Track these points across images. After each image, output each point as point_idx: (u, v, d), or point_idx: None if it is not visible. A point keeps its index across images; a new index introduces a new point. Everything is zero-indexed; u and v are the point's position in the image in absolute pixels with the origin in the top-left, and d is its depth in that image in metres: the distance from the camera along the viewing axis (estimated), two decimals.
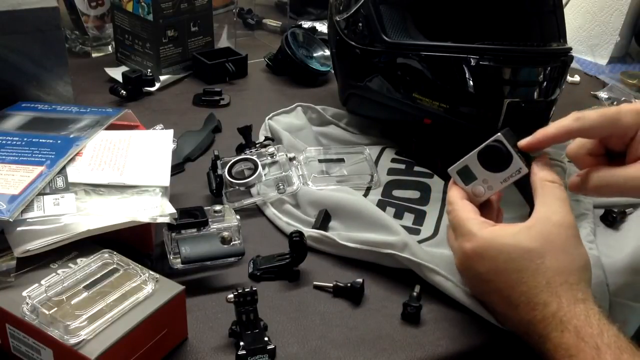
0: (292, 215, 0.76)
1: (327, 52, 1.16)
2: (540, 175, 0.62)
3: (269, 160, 0.82)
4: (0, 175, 0.63)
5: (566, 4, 1.33)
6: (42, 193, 0.62)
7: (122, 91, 1.02)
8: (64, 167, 0.67)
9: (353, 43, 0.90)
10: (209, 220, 0.68)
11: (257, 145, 0.85)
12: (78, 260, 0.59)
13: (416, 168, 0.87)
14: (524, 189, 0.65)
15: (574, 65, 0.95)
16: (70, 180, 0.65)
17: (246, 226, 0.71)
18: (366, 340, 0.61)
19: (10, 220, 0.58)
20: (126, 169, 0.69)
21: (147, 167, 0.70)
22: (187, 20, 1.12)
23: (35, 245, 0.58)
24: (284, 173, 0.80)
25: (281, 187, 0.78)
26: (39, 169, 0.65)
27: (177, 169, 0.84)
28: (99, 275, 0.57)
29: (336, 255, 0.71)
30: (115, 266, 0.58)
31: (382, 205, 0.78)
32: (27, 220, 0.59)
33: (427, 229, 0.76)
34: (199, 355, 0.58)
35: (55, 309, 0.52)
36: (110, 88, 1.03)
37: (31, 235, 0.58)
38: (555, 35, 0.85)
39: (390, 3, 0.85)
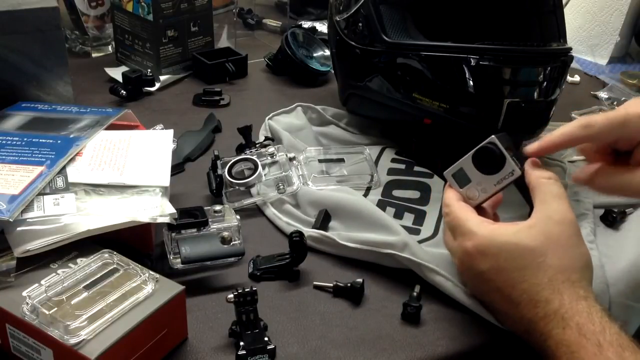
0: (292, 215, 0.76)
1: (327, 52, 1.16)
2: (535, 174, 0.63)
3: (269, 160, 0.82)
4: (0, 175, 0.63)
5: (566, 4, 1.33)
6: (42, 193, 0.62)
7: (122, 91, 1.02)
8: (64, 167, 0.67)
9: (353, 43, 0.90)
10: (209, 220, 0.68)
11: (257, 145, 0.85)
12: (78, 260, 0.59)
13: (416, 168, 0.87)
14: (524, 189, 0.66)
15: (574, 65, 0.95)
16: (70, 180, 0.65)
17: (246, 226, 0.71)
18: (366, 340, 0.61)
19: (10, 220, 0.58)
20: (126, 169, 0.69)
21: (147, 167, 0.70)
22: (187, 20, 1.12)
23: (35, 245, 0.58)
24: (284, 173, 0.80)
25: (281, 187, 0.78)
26: (39, 169, 0.65)
27: (177, 169, 0.84)
28: (99, 275, 0.57)
29: (336, 255, 0.71)
30: (115, 266, 0.58)
31: (382, 205, 0.78)
32: (27, 220, 0.60)
33: (427, 229, 0.76)
34: (199, 355, 0.58)
35: (55, 309, 0.52)
36: (110, 88, 1.03)
37: (31, 235, 0.58)
38: (555, 35, 0.85)
39: (390, 3, 0.85)
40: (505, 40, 0.79)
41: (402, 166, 0.88)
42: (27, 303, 0.53)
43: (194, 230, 0.67)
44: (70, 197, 0.63)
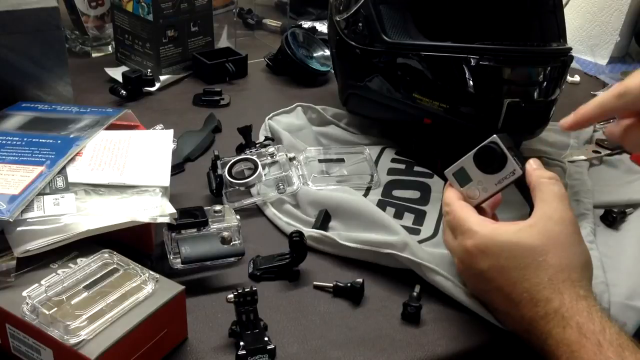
0: (292, 215, 0.76)
1: (327, 52, 1.16)
2: (536, 174, 0.63)
3: (269, 160, 0.82)
4: (0, 175, 0.63)
5: (566, 4, 1.32)
6: (42, 193, 0.62)
7: (122, 91, 1.02)
8: (64, 167, 0.67)
9: (353, 43, 0.90)
10: (209, 220, 0.68)
11: (257, 145, 0.85)
12: (78, 260, 0.59)
13: (416, 168, 0.87)
14: (524, 189, 0.66)
15: (574, 65, 0.95)
16: (70, 180, 0.65)
17: (246, 226, 0.71)
18: (366, 340, 0.61)
19: (10, 220, 0.58)
20: (126, 169, 0.69)
21: (147, 167, 0.70)
22: (187, 20, 1.12)
23: (35, 245, 0.58)
24: (284, 173, 0.80)
25: (281, 187, 0.78)
26: (39, 169, 0.65)
27: (177, 169, 0.84)
28: (99, 275, 0.57)
29: (336, 255, 0.71)
30: (115, 266, 0.58)
31: (382, 205, 0.78)
32: (27, 220, 0.60)
33: (427, 229, 0.76)
34: (199, 355, 0.58)
35: (55, 309, 0.52)
36: (110, 88, 1.03)
37: (31, 235, 0.58)
38: (555, 35, 0.85)
39: (390, 3, 0.85)
40: (505, 40, 0.79)
41: (402, 166, 0.88)
42: (27, 303, 0.53)
43: (194, 230, 0.67)
44: (70, 197, 0.63)
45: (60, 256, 0.59)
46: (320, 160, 0.85)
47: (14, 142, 0.70)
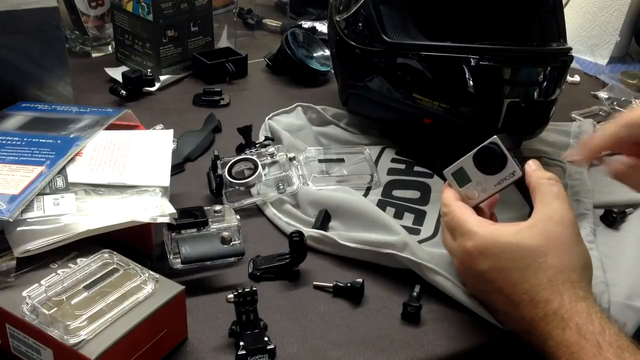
0: (292, 215, 0.76)
1: (327, 52, 1.16)
2: (536, 175, 0.63)
3: (269, 160, 0.82)
4: (0, 175, 0.63)
5: (566, 4, 1.33)
6: (42, 193, 0.62)
7: (122, 91, 1.02)
8: (64, 167, 0.67)
9: (353, 43, 0.90)
10: (209, 220, 0.68)
11: (257, 145, 0.85)
12: (78, 260, 0.59)
13: (416, 168, 0.87)
14: (523, 190, 0.66)
15: (574, 65, 0.95)
16: (70, 180, 0.65)
17: (246, 226, 0.71)
18: (366, 340, 0.61)
19: (10, 220, 0.58)
20: (126, 169, 0.69)
21: (147, 167, 0.70)
22: (187, 20, 1.12)
23: (35, 245, 0.58)
24: (284, 173, 0.80)
25: (281, 187, 0.78)
26: (39, 169, 0.65)
27: (177, 169, 0.84)
28: (99, 275, 0.57)
29: (336, 255, 0.71)
30: (115, 266, 0.58)
31: (382, 205, 0.78)
32: (27, 220, 0.60)
33: (427, 229, 0.76)
34: (199, 355, 0.58)
35: (55, 309, 0.52)
36: (110, 88, 1.03)
37: (31, 235, 0.58)
38: (555, 35, 0.85)
39: (390, 3, 0.85)
40: (505, 40, 0.79)
41: (402, 166, 0.88)
42: (27, 303, 0.53)
43: (194, 230, 0.67)
44: (70, 197, 0.63)
45: (60, 256, 0.59)
46: (320, 160, 0.85)
47: (14, 142, 0.70)
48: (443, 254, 0.68)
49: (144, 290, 0.55)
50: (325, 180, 0.81)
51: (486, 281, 0.59)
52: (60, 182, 0.65)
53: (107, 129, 0.76)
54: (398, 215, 0.78)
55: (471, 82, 0.79)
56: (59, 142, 0.71)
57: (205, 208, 0.69)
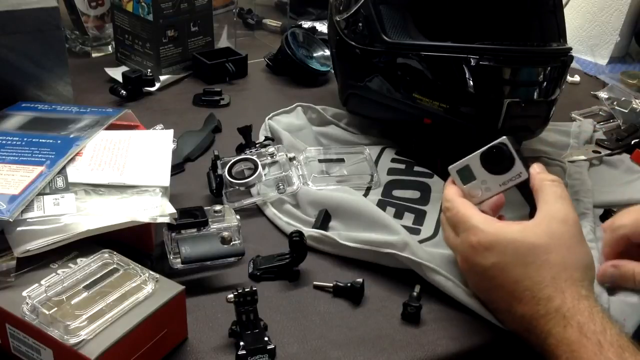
0: (292, 215, 0.76)
1: (327, 52, 1.16)
2: (540, 176, 0.64)
3: (269, 160, 0.82)
4: (0, 175, 0.63)
5: (566, 4, 1.32)
6: (42, 193, 0.62)
7: (122, 91, 1.02)
8: (64, 167, 0.67)
9: (353, 43, 0.90)
10: (209, 220, 0.68)
11: (257, 145, 0.85)
12: (78, 260, 0.59)
13: (416, 168, 0.87)
14: (525, 190, 0.66)
15: (574, 65, 0.95)
16: (70, 180, 0.65)
17: (246, 226, 0.71)
18: (366, 340, 0.61)
19: (10, 220, 0.58)
20: (126, 169, 0.69)
21: (147, 167, 0.70)
22: (187, 20, 1.12)
23: (35, 245, 0.58)
24: (284, 173, 0.80)
25: (281, 187, 0.78)
26: (39, 169, 0.65)
27: (177, 169, 0.84)
28: (99, 275, 0.57)
29: (336, 255, 0.71)
30: (115, 266, 0.58)
31: (382, 205, 0.78)
32: (27, 220, 0.60)
33: (427, 229, 0.76)
34: (199, 355, 0.58)
35: (55, 309, 0.52)
36: (110, 88, 1.03)
37: (31, 235, 0.58)
38: (555, 35, 0.85)
39: (390, 3, 0.85)
40: (505, 40, 0.79)
41: (402, 166, 0.88)
42: (27, 303, 0.53)
43: (194, 230, 0.67)
44: (70, 197, 0.63)
45: (60, 256, 0.59)
46: (320, 160, 0.85)
47: (14, 142, 0.70)
48: (443, 253, 0.68)
49: (144, 290, 0.55)
50: (325, 180, 0.81)
51: (488, 277, 0.59)
52: (60, 182, 0.65)
53: (107, 129, 0.76)
54: (398, 215, 0.78)
55: (471, 82, 0.79)
56: (59, 142, 0.71)
57: (205, 208, 0.69)
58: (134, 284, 0.56)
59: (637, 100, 1.09)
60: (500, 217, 0.67)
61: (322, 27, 1.34)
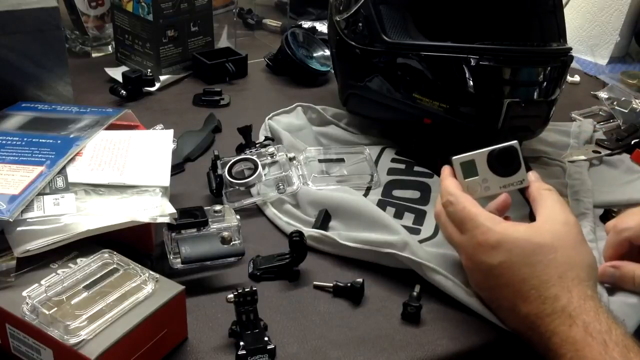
0: (292, 215, 0.76)
1: (327, 52, 1.16)
2: (536, 185, 0.65)
3: (269, 160, 0.82)
4: (0, 175, 0.63)
5: (566, 4, 1.33)
6: (42, 193, 0.62)
7: (122, 91, 1.02)
8: (64, 167, 0.67)
9: (353, 43, 0.90)
10: (209, 220, 0.68)
11: (257, 145, 0.85)
12: (78, 260, 0.59)
13: (416, 168, 0.87)
14: (524, 190, 0.66)
15: (574, 65, 0.95)
16: (70, 180, 0.65)
17: (246, 226, 0.71)
18: (366, 340, 0.61)
19: (10, 220, 0.58)
20: (126, 169, 0.69)
21: (147, 167, 0.70)
22: (187, 20, 1.12)
23: (35, 245, 0.58)
24: (284, 173, 0.80)
25: (281, 187, 0.78)
26: (39, 169, 0.65)
27: (177, 169, 0.84)
28: (99, 275, 0.57)
29: (336, 255, 0.71)
30: (115, 266, 0.58)
31: (382, 205, 0.78)
32: (27, 220, 0.60)
33: (427, 228, 0.76)
34: (199, 355, 0.58)
35: (55, 309, 0.52)
36: (110, 88, 1.03)
37: (31, 235, 0.58)
38: (555, 35, 0.85)
39: (390, 3, 0.85)
40: (505, 40, 0.79)
41: (402, 166, 0.88)
42: (27, 303, 0.53)
43: (194, 230, 0.67)
44: (70, 197, 0.63)
45: (60, 256, 0.59)
46: (320, 160, 0.85)
47: (14, 142, 0.70)
48: (443, 253, 0.68)
49: (144, 290, 0.55)
50: (325, 180, 0.81)
51: (494, 276, 0.59)
52: (60, 182, 0.65)
53: (107, 129, 0.76)
54: (398, 215, 0.78)
55: (471, 82, 0.79)
56: (59, 142, 0.71)
57: (205, 208, 0.69)
58: (134, 284, 0.56)
59: (637, 100, 1.09)
60: (506, 218, 0.67)
61: (322, 27, 1.34)
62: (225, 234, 0.67)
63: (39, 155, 0.67)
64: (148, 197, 0.65)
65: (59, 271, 0.58)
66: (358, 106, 0.96)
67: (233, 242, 0.67)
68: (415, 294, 0.64)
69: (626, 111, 1.06)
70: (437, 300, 0.65)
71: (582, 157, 0.90)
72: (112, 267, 0.58)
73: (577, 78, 1.24)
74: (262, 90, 1.13)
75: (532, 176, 0.66)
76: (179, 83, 1.13)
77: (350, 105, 0.98)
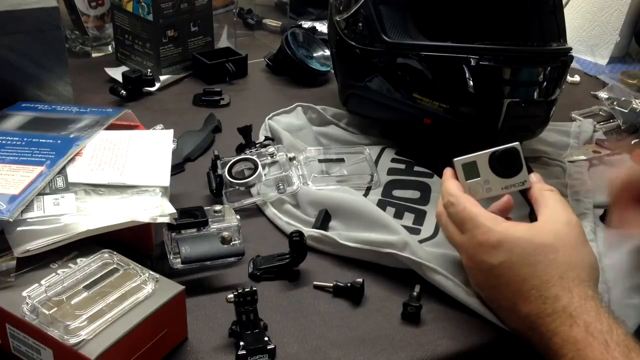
0: (292, 215, 0.76)
1: (327, 52, 1.16)
2: (537, 186, 0.65)
3: (269, 160, 0.82)
4: (0, 175, 0.63)
5: (566, 4, 1.33)
6: (42, 193, 0.62)
7: (122, 91, 1.03)
8: (64, 167, 0.67)
9: (353, 43, 0.90)
10: (209, 220, 0.68)
11: (257, 145, 0.85)
12: (78, 260, 0.59)
13: (416, 168, 0.87)
14: (525, 192, 0.67)
15: (574, 65, 0.95)
16: (70, 180, 0.65)
17: (246, 226, 0.71)
18: (366, 340, 0.61)
19: (10, 220, 0.58)
20: (126, 169, 0.69)
21: (147, 167, 0.70)
22: (187, 20, 1.12)
23: (35, 245, 0.58)
24: (284, 173, 0.80)
25: (281, 187, 0.78)
26: (39, 169, 0.65)
27: (177, 169, 0.84)
28: (99, 275, 0.57)
29: (336, 255, 0.71)
30: (115, 266, 0.58)
31: (382, 205, 0.78)
32: (27, 220, 0.60)
33: (427, 229, 0.76)
34: (199, 355, 0.58)
35: (55, 309, 0.52)
36: (110, 88, 1.03)
37: (31, 235, 0.58)
38: (555, 35, 0.85)
39: (390, 3, 0.85)
40: (505, 40, 0.79)
41: (402, 166, 0.88)
42: (27, 303, 0.53)
43: (194, 230, 0.67)
44: (70, 197, 0.63)
45: (60, 256, 0.59)
46: (320, 160, 0.85)
47: (14, 142, 0.70)
48: (444, 254, 0.68)
49: (144, 290, 0.55)
50: (325, 180, 0.81)
51: (495, 275, 0.59)
52: (60, 182, 0.65)
53: (107, 129, 0.76)
54: (398, 215, 0.78)
55: (471, 82, 0.79)
56: (59, 142, 0.71)
57: (205, 208, 0.69)
58: (134, 284, 0.56)
59: (637, 100, 1.09)
60: (507, 218, 0.67)
61: (322, 27, 1.34)
62: (225, 234, 0.67)
63: (39, 155, 0.67)
64: (148, 197, 0.65)
65: (59, 271, 0.58)
66: (358, 106, 0.96)
67: (233, 242, 0.67)
68: (415, 294, 0.64)
69: (626, 111, 1.06)
70: (437, 300, 0.65)
71: (582, 157, 0.90)
72: (112, 267, 0.58)
73: (577, 78, 1.24)
74: (262, 90, 1.13)
75: (534, 177, 0.66)
76: (179, 83, 1.13)
77: (350, 105, 0.98)
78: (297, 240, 0.66)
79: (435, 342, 0.61)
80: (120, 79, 1.05)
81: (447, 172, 0.68)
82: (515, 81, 0.80)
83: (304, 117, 0.96)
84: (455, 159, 0.67)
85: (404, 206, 0.80)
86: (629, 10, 1.32)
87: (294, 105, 0.98)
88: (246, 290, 0.58)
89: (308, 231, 0.72)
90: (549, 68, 0.80)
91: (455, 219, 0.63)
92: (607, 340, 0.52)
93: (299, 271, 0.68)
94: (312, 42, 1.20)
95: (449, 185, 0.66)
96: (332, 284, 0.66)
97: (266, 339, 0.58)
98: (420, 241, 0.72)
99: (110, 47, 1.23)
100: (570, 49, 0.83)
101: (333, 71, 1.05)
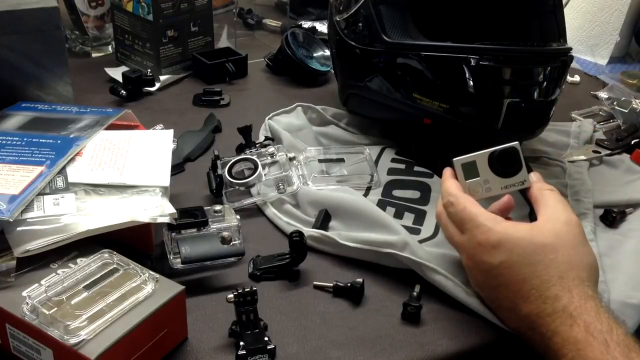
0: (292, 215, 0.76)
1: (327, 52, 1.17)
2: (537, 186, 0.65)
3: (269, 160, 0.82)
4: (0, 175, 0.63)
5: (566, 4, 1.33)
6: (42, 193, 0.62)
7: (122, 91, 1.03)
8: (64, 167, 0.67)
9: (353, 43, 0.90)
10: (209, 220, 0.68)
11: (257, 145, 0.85)
12: (78, 260, 0.59)
13: (416, 168, 0.87)
14: (525, 192, 0.67)
15: (574, 65, 0.95)
16: (70, 180, 0.65)
17: (246, 226, 0.71)
18: (366, 340, 0.61)
19: (10, 220, 0.58)
20: (126, 169, 0.69)
21: (147, 167, 0.70)
22: (187, 20, 1.12)
23: (35, 245, 0.58)
24: (284, 173, 0.80)
25: (281, 187, 0.78)
26: (39, 169, 0.65)
27: (177, 169, 0.84)
28: (99, 275, 0.57)
29: (336, 255, 0.71)
30: (115, 266, 0.58)
31: (382, 205, 0.78)
32: (27, 220, 0.59)
33: (427, 229, 0.76)
34: (199, 355, 0.58)
35: (55, 309, 0.52)
36: (110, 88, 1.03)
37: (31, 235, 0.58)
38: (555, 35, 0.85)
39: (390, 3, 0.85)
40: (505, 40, 0.79)
41: (402, 166, 0.88)
42: (27, 303, 0.53)
43: (194, 230, 0.67)
44: (70, 197, 0.63)
45: (60, 256, 0.59)
46: (320, 160, 0.85)
47: (14, 142, 0.70)
48: (444, 254, 0.68)
49: (144, 290, 0.55)
50: (325, 180, 0.81)
51: (494, 275, 0.59)
52: (60, 182, 0.65)
53: (107, 129, 0.76)
54: (398, 215, 0.78)
55: (471, 82, 0.79)
56: (59, 142, 0.71)
57: (205, 208, 0.69)
58: (134, 284, 0.56)
59: (637, 100, 1.09)
60: (507, 218, 0.67)
61: (322, 27, 1.34)
62: (225, 234, 0.67)
63: (39, 155, 0.67)
64: (148, 197, 0.65)
65: (59, 271, 0.58)
66: (358, 106, 0.96)
67: (233, 242, 0.67)
68: (415, 294, 0.64)
69: (626, 111, 1.06)
70: (437, 300, 0.65)
71: (582, 157, 0.90)
72: (112, 267, 0.58)
73: (577, 78, 1.24)
74: (262, 90, 1.13)
75: (534, 177, 0.66)
76: (179, 83, 1.13)
77: (350, 105, 0.98)
78: (297, 240, 0.66)
79: (435, 342, 0.61)
80: (120, 79, 1.05)
81: (447, 172, 0.68)
82: (515, 81, 0.80)
83: (304, 117, 0.96)
84: (454, 159, 0.67)
85: (404, 206, 0.80)
86: (629, 10, 1.32)
87: (294, 105, 0.98)
88: (246, 290, 0.58)
89: (308, 231, 0.72)
90: (549, 68, 0.80)
91: (455, 219, 0.63)
92: (607, 340, 0.52)
93: (299, 271, 0.68)
94: (312, 42, 1.20)
95: (449, 185, 0.66)
96: (332, 284, 0.66)
97: (266, 339, 0.58)
98: (420, 241, 0.72)
99: (110, 47, 1.23)
100: (570, 49, 0.83)
101: (333, 71, 1.05)
